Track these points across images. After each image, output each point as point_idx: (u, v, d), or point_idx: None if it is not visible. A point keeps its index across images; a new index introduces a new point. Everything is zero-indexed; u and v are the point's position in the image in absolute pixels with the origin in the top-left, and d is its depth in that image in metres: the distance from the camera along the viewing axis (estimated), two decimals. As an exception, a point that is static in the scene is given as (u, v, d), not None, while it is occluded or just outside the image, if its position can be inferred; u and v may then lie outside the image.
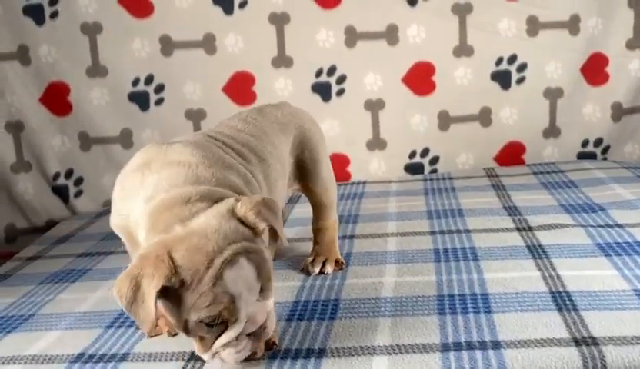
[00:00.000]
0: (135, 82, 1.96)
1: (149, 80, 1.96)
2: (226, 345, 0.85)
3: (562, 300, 1.02)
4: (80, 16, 1.91)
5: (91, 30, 1.92)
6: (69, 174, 2.00)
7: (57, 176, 1.99)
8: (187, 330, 0.85)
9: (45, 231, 1.81)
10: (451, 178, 1.88)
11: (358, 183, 1.94)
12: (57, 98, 1.95)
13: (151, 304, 0.80)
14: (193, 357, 0.95)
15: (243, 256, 0.84)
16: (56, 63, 1.93)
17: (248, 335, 0.86)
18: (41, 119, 1.95)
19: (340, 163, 2.01)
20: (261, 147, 1.11)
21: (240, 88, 1.96)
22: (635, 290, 1.04)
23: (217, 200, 0.88)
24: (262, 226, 0.87)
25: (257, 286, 0.85)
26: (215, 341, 0.85)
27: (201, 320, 0.83)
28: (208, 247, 0.82)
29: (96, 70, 1.94)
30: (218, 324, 0.83)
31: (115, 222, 1.00)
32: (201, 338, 0.86)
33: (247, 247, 0.85)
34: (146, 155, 0.98)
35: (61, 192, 2.00)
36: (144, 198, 0.91)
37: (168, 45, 1.94)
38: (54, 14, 1.91)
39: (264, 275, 0.86)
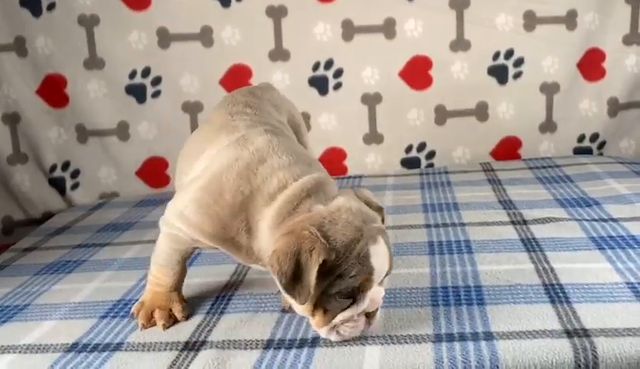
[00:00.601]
0: (132, 75, 1.95)
1: (146, 72, 1.96)
2: (346, 320, 0.89)
3: (555, 293, 1.03)
4: (77, 8, 1.90)
5: (89, 22, 1.92)
6: (66, 166, 2.00)
7: (53, 168, 1.99)
8: (314, 304, 0.87)
9: (41, 222, 1.81)
10: (447, 172, 1.88)
11: (355, 177, 1.94)
12: (54, 90, 1.95)
13: (312, 279, 0.83)
14: (186, 347, 0.95)
15: (382, 235, 0.89)
16: (53, 55, 1.92)
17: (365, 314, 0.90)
18: (37, 111, 1.95)
19: (336, 157, 2.02)
20: (282, 129, 1.12)
21: (237, 80, 1.95)
22: (627, 283, 1.04)
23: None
24: (381, 208, 0.95)
25: (387, 267, 0.91)
26: (336, 315, 0.88)
27: (340, 291, 0.86)
28: (355, 222, 0.87)
29: (93, 62, 1.94)
30: (347, 298, 0.87)
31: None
32: (325, 312, 0.88)
33: (382, 227, 0.92)
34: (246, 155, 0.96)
35: (57, 184, 2.00)
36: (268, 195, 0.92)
37: (165, 38, 1.93)
38: (51, 6, 1.90)
39: (392, 257, 0.92)
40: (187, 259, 1.05)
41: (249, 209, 0.92)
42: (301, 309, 0.90)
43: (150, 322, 1.02)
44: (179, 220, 0.98)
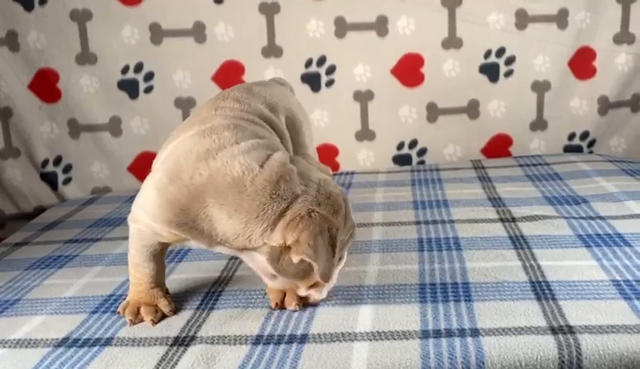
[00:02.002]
0: (125, 70, 1.95)
1: (139, 68, 1.96)
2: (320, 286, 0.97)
3: (541, 290, 1.04)
4: (69, 3, 1.90)
5: (81, 17, 1.91)
6: (58, 161, 2.00)
7: (45, 163, 1.99)
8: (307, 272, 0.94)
9: (33, 217, 1.81)
10: (438, 170, 1.89)
11: (347, 173, 1.95)
12: (46, 85, 1.95)
13: (337, 255, 0.92)
14: (176, 342, 0.96)
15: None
16: (45, 49, 1.92)
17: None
18: (29, 105, 1.95)
19: (329, 153, 2.03)
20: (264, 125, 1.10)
21: (230, 76, 1.96)
22: (613, 281, 1.06)
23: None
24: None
25: None
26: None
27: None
28: (333, 189, 0.95)
29: (85, 57, 1.94)
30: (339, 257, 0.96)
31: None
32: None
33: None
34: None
35: (49, 179, 2.00)
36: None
37: (157, 33, 1.94)
38: (43, 1, 1.90)
39: None
40: (160, 255, 1.04)
41: (209, 191, 0.91)
42: (307, 284, 0.97)
43: (137, 318, 1.03)
44: (141, 211, 0.98)
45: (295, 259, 0.90)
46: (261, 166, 0.92)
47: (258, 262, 0.96)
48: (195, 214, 0.92)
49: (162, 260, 1.06)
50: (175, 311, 1.05)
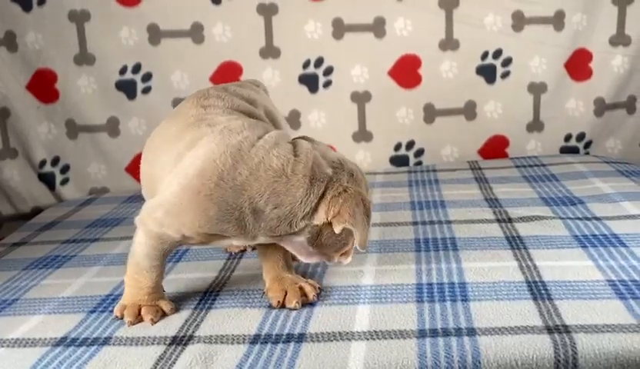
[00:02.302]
0: (123, 70, 1.96)
1: (137, 68, 1.96)
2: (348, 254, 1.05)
3: (537, 290, 1.05)
4: (68, 3, 1.91)
5: (79, 18, 1.92)
6: (55, 161, 2.00)
7: (43, 163, 1.99)
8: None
9: (30, 217, 1.82)
10: (435, 170, 1.90)
11: (306, 138, 1.95)
12: (44, 85, 1.95)
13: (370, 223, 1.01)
14: (174, 341, 0.97)
15: None
16: (43, 50, 1.93)
17: None
18: (27, 106, 1.95)
19: (326, 154, 2.03)
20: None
21: (227, 77, 1.96)
22: (608, 281, 1.06)
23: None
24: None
25: None
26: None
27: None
28: (356, 168, 1.04)
29: (83, 58, 1.94)
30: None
31: None
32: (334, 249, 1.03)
33: None
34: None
35: (47, 179, 2.00)
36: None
37: (155, 34, 1.94)
38: (41, 1, 1.90)
39: None
40: (165, 258, 1.05)
41: (253, 187, 0.95)
42: (337, 255, 1.03)
43: (137, 319, 1.03)
44: (168, 216, 0.98)
45: (338, 229, 0.97)
46: (295, 155, 0.99)
47: (295, 244, 1.02)
48: (240, 212, 0.96)
49: (165, 263, 1.07)
50: (176, 310, 1.06)
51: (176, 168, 0.99)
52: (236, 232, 0.98)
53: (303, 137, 1.07)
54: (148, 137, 1.16)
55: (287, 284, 1.06)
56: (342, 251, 1.04)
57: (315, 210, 0.97)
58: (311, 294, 1.05)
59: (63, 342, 0.99)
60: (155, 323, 1.02)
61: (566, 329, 0.92)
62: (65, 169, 2.01)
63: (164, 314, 1.04)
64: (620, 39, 1.97)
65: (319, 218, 0.98)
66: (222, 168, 0.95)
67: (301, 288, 1.06)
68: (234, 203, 0.95)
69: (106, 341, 0.98)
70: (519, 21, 1.96)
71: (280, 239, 1.01)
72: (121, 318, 1.04)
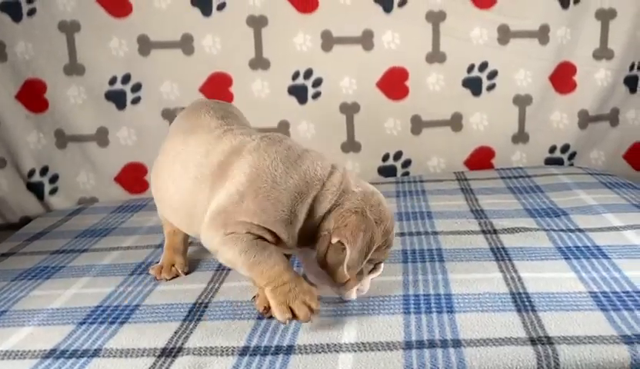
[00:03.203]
0: (112, 81, 1.97)
1: (126, 79, 1.97)
2: (366, 282, 1.09)
3: (522, 301, 1.07)
4: (58, 14, 1.91)
5: (69, 28, 1.92)
6: (44, 171, 2.00)
7: (32, 173, 1.99)
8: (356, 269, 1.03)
9: (19, 227, 1.81)
10: (422, 181, 1.92)
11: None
12: (33, 95, 1.95)
13: (370, 254, 1.02)
14: (164, 353, 0.98)
15: None
16: (33, 60, 1.93)
17: None
18: (16, 116, 1.95)
19: (315, 164, 2.04)
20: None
21: (217, 88, 1.98)
22: (590, 292, 1.09)
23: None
24: None
25: None
26: (362, 279, 1.07)
27: (372, 260, 1.05)
28: (384, 204, 1.06)
29: (73, 68, 1.95)
30: (373, 265, 1.08)
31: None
32: (356, 276, 1.05)
33: None
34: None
35: (36, 189, 1.99)
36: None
37: (145, 45, 1.95)
38: (31, 12, 1.91)
39: None
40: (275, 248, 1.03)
41: (302, 193, 1.01)
42: (341, 276, 1.02)
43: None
44: (230, 216, 1.00)
45: (334, 239, 1.00)
46: (333, 168, 1.06)
47: (309, 259, 1.06)
48: (290, 214, 1.01)
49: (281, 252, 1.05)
50: (168, 319, 1.07)
51: (224, 178, 1.04)
52: (284, 234, 1.01)
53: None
54: (161, 157, 1.20)
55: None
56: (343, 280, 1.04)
57: (327, 216, 1.02)
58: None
59: (52, 354, 0.99)
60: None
61: (549, 340, 0.94)
62: (54, 179, 2.01)
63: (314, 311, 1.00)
64: (603, 53, 2.01)
65: (328, 225, 1.01)
66: (275, 173, 1.02)
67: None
68: (287, 203, 1.01)
69: (96, 353, 0.99)
70: (505, 34, 1.99)
71: (300, 251, 1.06)
72: (294, 318, 0.98)
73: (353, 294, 1.07)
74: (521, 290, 1.11)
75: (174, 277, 1.26)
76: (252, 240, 1.00)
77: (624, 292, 1.08)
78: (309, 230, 1.03)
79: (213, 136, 1.12)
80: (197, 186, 1.07)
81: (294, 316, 0.97)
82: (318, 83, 2.01)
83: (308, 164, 1.04)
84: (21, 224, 1.89)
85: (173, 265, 1.28)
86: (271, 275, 0.99)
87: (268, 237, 1.01)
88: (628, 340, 0.93)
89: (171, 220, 1.22)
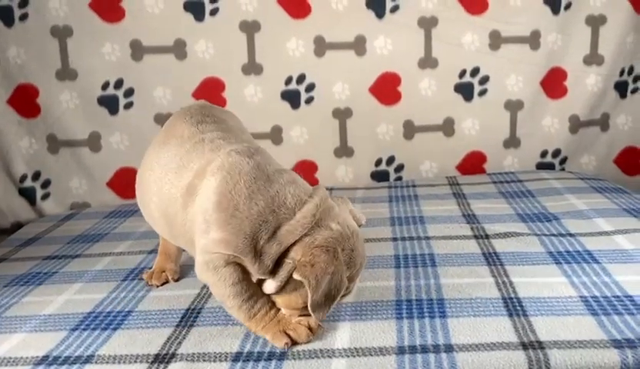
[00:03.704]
0: (105, 86, 1.96)
1: (119, 84, 1.97)
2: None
3: (513, 306, 1.08)
4: (50, 19, 1.91)
5: (62, 33, 1.92)
6: (36, 176, 2.00)
7: (24, 178, 1.98)
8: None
9: (10, 233, 1.80)
10: (414, 186, 1.93)
11: (326, 189, 1.97)
12: (25, 100, 1.94)
13: (337, 300, 0.95)
14: (156, 359, 0.97)
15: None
16: (25, 65, 1.92)
17: None
18: (8, 121, 1.94)
19: (308, 169, 2.05)
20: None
21: (210, 93, 1.98)
22: (581, 297, 1.10)
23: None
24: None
25: None
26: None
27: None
28: (359, 248, 1.00)
29: (65, 73, 1.94)
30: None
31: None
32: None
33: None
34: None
35: (27, 194, 1.99)
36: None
37: (138, 50, 1.95)
38: (23, 17, 1.90)
39: None
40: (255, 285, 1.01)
41: (266, 222, 0.94)
42: (288, 311, 1.00)
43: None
44: (210, 250, 0.97)
45: (296, 276, 0.93)
46: (310, 196, 0.98)
47: (269, 288, 0.98)
48: (256, 242, 0.95)
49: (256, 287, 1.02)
50: (158, 327, 1.06)
51: (193, 201, 1.00)
52: (250, 265, 0.96)
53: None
54: (141, 168, 1.17)
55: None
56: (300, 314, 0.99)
57: (294, 245, 0.94)
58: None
59: (45, 361, 0.99)
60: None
61: (540, 345, 0.95)
62: (46, 184, 2.00)
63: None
64: (593, 59, 2.03)
65: (295, 254, 0.94)
66: (238, 199, 0.95)
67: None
68: (250, 232, 0.94)
69: (88, 360, 0.98)
70: (496, 40, 2.00)
71: (263, 281, 0.99)
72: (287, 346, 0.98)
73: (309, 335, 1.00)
74: (512, 295, 1.12)
75: (164, 284, 1.26)
76: (239, 287, 0.97)
77: (614, 297, 1.09)
78: (277, 257, 0.96)
79: (184, 150, 1.07)
80: (171, 206, 1.05)
81: (293, 340, 0.98)
82: (310, 88, 2.02)
83: (277, 189, 0.96)
84: (13, 229, 1.88)
85: (164, 271, 1.27)
86: (257, 318, 1.00)
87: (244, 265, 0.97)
88: (618, 344, 0.93)
89: (155, 229, 1.21)
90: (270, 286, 0.98)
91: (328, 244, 0.94)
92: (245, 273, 0.98)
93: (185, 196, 1.02)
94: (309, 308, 0.93)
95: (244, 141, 1.11)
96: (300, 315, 1.00)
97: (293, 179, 1.00)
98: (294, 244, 0.95)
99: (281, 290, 0.97)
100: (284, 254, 0.95)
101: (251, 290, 0.99)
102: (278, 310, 1.02)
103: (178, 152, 1.08)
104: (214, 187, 0.97)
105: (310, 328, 0.99)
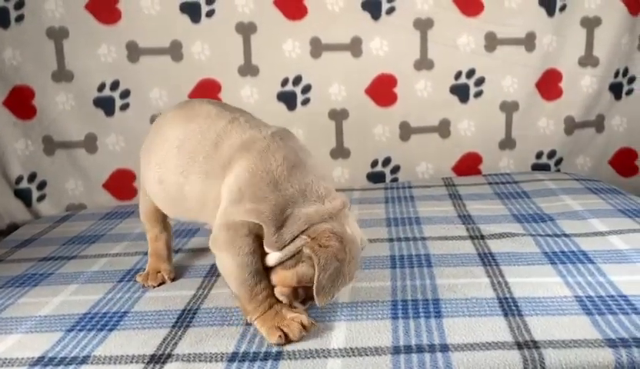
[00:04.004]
0: (101, 87, 1.96)
1: (115, 85, 1.97)
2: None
3: (508, 306, 1.08)
4: (46, 21, 1.91)
5: (58, 34, 1.92)
6: (32, 177, 1.99)
7: (20, 179, 1.98)
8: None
9: (6, 234, 1.80)
10: (410, 187, 1.93)
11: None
12: (21, 102, 1.94)
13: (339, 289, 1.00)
14: (152, 359, 0.98)
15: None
16: (21, 66, 1.92)
17: None
18: (4, 122, 1.94)
19: (304, 170, 2.05)
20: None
21: (206, 94, 1.98)
22: (576, 297, 1.10)
23: None
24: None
25: None
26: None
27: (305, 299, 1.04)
28: (357, 259, 1.03)
29: (62, 74, 1.94)
30: None
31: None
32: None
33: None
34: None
35: (23, 196, 1.98)
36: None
37: (134, 51, 1.95)
38: (19, 18, 1.90)
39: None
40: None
41: (298, 202, 1.01)
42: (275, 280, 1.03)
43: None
44: (234, 214, 1.01)
45: (307, 250, 0.98)
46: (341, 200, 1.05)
47: (274, 259, 1.02)
48: (286, 218, 1.01)
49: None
50: (155, 327, 1.06)
51: (232, 174, 1.04)
52: (270, 235, 1.00)
53: None
54: (161, 145, 1.18)
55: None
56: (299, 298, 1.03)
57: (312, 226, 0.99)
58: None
59: (40, 361, 0.99)
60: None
61: (535, 344, 0.95)
62: (42, 185, 2.00)
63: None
64: (588, 60, 2.04)
65: (310, 233, 0.98)
66: (277, 179, 1.02)
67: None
68: (282, 208, 1.00)
69: (84, 360, 0.98)
70: (492, 42, 2.01)
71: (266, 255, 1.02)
72: (280, 342, 1.00)
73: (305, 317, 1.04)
74: (507, 295, 1.12)
75: (160, 284, 1.26)
76: (251, 258, 1.00)
77: (608, 296, 1.09)
78: (298, 233, 1.00)
79: (220, 126, 1.11)
80: (209, 179, 1.08)
81: (286, 336, 0.99)
82: (307, 89, 2.02)
83: (312, 179, 1.03)
84: (9, 230, 1.88)
85: (159, 272, 1.28)
86: (258, 299, 1.02)
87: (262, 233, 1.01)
88: (612, 343, 0.94)
89: (169, 211, 1.23)
90: (273, 257, 1.00)
91: (343, 236, 0.99)
92: (260, 248, 1.01)
93: (225, 167, 1.06)
94: (314, 289, 0.96)
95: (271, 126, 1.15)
96: (289, 301, 1.03)
97: (324, 175, 1.07)
98: (310, 227, 0.99)
99: (281, 264, 1.00)
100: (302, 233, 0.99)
101: (259, 267, 1.02)
102: (278, 300, 1.03)
103: (212, 127, 1.12)
104: (257, 163, 1.03)
105: (304, 326, 1.01)
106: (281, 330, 0.99)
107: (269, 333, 1.00)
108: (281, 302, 1.04)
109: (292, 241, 0.99)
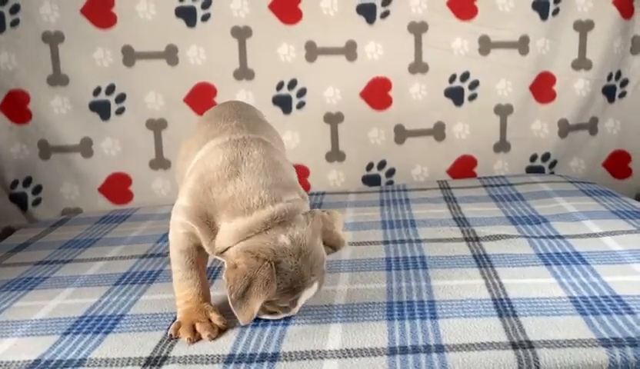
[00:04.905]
0: (97, 91, 1.97)
1: (110, 89, 1.97)
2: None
3: (503, 307, 1.09)
4: (42, 25, 1.91)
5: (53, 39, 1.92)
6: (28, 182, 1.99)
7: (15, 184, 1.98)
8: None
9: (2, 238, 1.80)
10: (405, 190, 1.94)
11: (317, 193, 1.99)
12: (16, 106, 1.94)
13: (256, 307, 0.97)
14: (149, 362, 0.98)
15: (319, 280, 1.04)
16: (16, 71, 1.92)
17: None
18: (-1, 126, 1.94)
19: (300, 173, 2.03)
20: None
21: (202, 99, 1.99)
22: (570, 297, 1.11)
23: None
24: (342, 241, 1.09)
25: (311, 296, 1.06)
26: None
27: (267, 310, 1.05)
28: (304, 269, 1.00)
29: (57, 78, 1.95)
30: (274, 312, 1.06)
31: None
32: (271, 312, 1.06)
33: (323, 271, 1.05)
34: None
35: (19, 200, 1.98)
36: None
37: (130, 56, 1.96)
38: (15, 22, 1.90)
39: (322, 284, 1.07)
40: (201, 266, 1.10)
41: (228, 209, 1.01)
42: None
43: (195, 336, 1.03)
44: (178, 212, 1.07)
45: (227, 264, 1.00)
46: (272, 204, 1.02)
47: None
48: (212, 221, 1.04)
49: (204, 274, 1.11)
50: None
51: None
52: (205, 242, 1.04)
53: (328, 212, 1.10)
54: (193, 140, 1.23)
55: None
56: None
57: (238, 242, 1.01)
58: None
59: (36, 365, 0.99)
60: (214, 339, 1.02)
61: (530, 345, 0.96)
62: (38, 190, 2.00)
63: (220, 329, 1.05)
64: (582, 63, 2.05)
65: (231, 252, 1.01)
66: (216, 182, 1.04)
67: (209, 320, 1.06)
68: (210, 213, 1.03)
69: (80, 363, 0.98)
70: (486, 45, 2.02)
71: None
72: (177, 337, 1.04)
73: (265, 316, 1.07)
74: (502, 296, 1.13)
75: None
76: (186, 250, 1.06)
77: (602, 297, 1.10)
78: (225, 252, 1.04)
79: (220, 127, 1.17)
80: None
81: (197, 335, 1.03)
82: (302, 93, 2.03)
83: (252, 187, 1.01)
84: (4, 235, 1.88)
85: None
86: (186, 294, 1.07)
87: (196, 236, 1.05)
88: (606, 343, 0.94)
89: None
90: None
91: (260, 252, 0.98)
92: (198, 249, 1.06)
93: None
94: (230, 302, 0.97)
95: (259, 132, 1.17)
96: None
97: (277, 183, 1.04)
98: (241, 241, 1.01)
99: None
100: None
101: (193, 266, 1.07)
102: (206, 300, 1.08)
103: (215, 127, 1.18)
104: (206, 162, 1.07)
105: (219, 329, 1.04)
106: (194, 329, 1.03)
107: (184, 329, 1.04)
108: (209, 302, 1.09)
109: (222, 253, 1.02)
